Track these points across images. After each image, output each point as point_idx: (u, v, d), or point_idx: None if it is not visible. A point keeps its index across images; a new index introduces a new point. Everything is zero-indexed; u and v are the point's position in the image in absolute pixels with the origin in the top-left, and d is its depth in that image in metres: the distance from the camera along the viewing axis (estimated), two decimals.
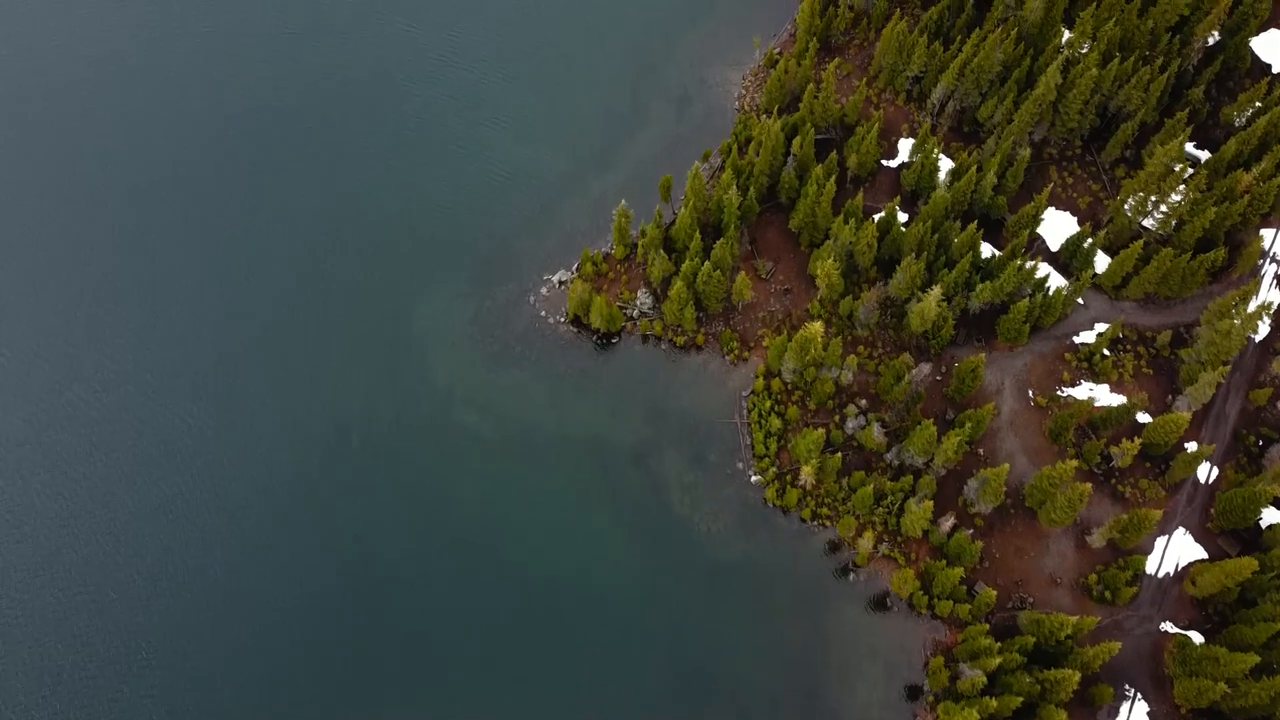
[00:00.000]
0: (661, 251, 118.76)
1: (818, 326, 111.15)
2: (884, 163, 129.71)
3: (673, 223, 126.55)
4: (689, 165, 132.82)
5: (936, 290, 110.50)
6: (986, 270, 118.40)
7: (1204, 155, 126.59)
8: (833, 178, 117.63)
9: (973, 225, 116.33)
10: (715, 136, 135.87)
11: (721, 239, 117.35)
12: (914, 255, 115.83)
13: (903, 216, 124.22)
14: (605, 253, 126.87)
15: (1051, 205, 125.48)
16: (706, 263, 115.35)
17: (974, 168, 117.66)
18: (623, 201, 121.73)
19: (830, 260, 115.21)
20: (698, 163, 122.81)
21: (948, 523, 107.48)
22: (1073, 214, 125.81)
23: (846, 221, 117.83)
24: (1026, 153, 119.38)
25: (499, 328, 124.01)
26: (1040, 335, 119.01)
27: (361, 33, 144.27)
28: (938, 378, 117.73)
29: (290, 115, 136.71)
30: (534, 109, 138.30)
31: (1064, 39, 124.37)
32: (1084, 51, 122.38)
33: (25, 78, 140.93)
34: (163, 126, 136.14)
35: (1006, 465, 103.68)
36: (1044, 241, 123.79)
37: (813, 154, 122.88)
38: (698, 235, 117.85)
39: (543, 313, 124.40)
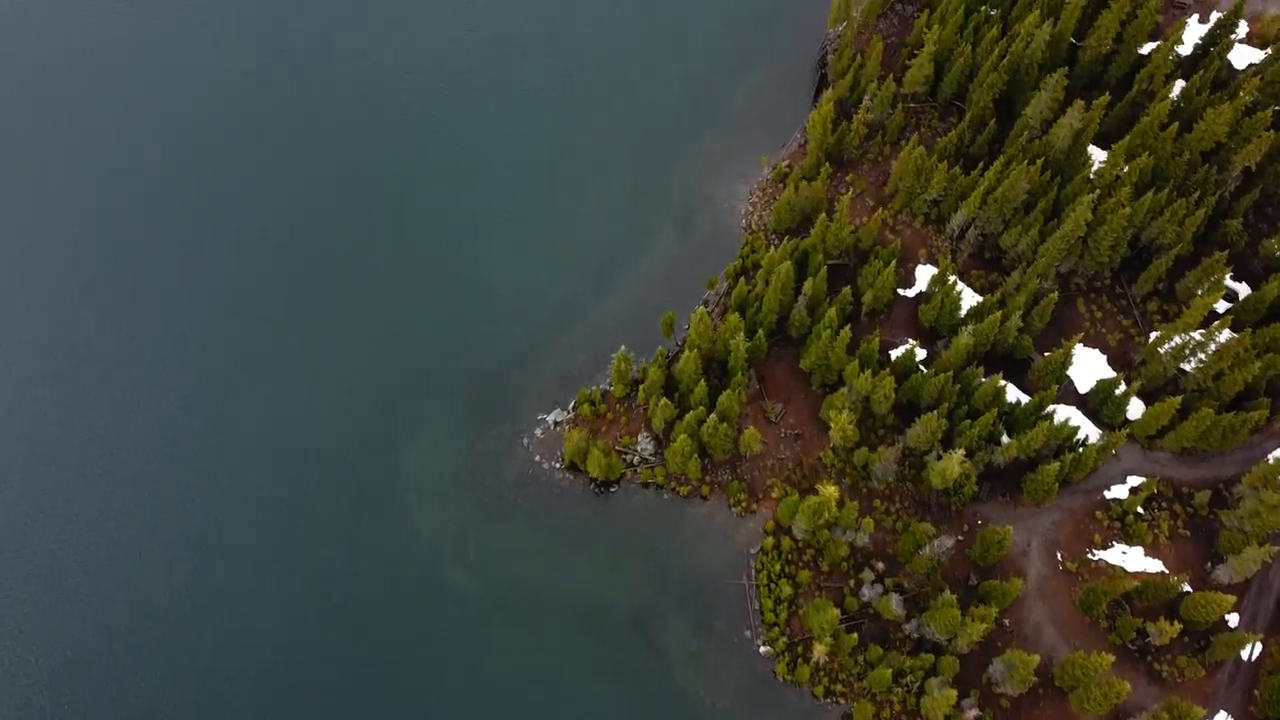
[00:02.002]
0: (664, 399, 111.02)
1: (832, 490, 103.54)
2: (901, 291, 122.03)
3: (676, 357, 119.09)
4: (693, 289, 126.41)
5: (959, 452, 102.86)
6: (1011, 418, 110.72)
7: (1243, 288, 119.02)
8: (848, 325, 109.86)
9: (997, 377, 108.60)
10: (721, 257, 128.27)
11: (728, 389, 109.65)
12: (934, 408, 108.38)
13: (921, 353, 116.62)
14: (604, 390, 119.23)
15: (1080, 341, 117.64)
16: (712, 415, 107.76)
17: (998, 311, 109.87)
18: (623, 347, 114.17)
19: (845, 414, 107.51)
20: (701, 308, 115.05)
21: (972, 710, 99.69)
22: (1102, 351, 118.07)
23: (862, 369, 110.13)
24: (1054, 295, 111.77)
25: (491, 474, 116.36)
26: (1069, 488, 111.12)
27: (341, 141, 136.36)
28: (959, 537, 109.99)
29: (262, 241, 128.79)
30: (529, 226, 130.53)
31: (1093, 169, 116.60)
32: (1117, 178, 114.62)
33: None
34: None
35: (1036, 657, 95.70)
36: (1072, 383, 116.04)
37: (824, 290, 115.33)
38: (702, 384, 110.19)
39: (537, 458, 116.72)
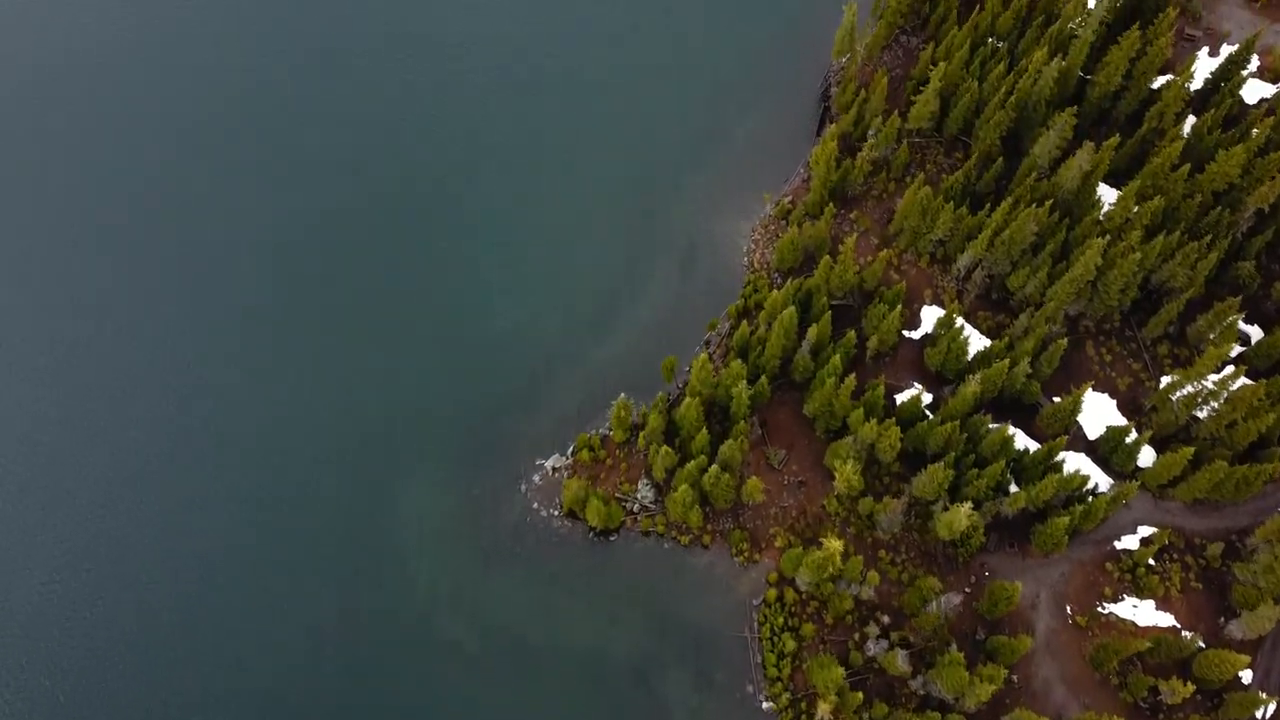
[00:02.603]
0: (665, 446, 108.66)
1: (836, 545, 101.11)
2: (906, 333, 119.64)
3: (677, 401, 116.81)
4: (695, 329, 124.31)
5: (966, 505, 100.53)
6: (1020, 466, 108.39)
7: (1255, 331, 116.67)
8: (852, 373, 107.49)
9: (1004, 427, 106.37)
10: (722, 295, 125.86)
11: (730, 438, 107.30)
12: (940, 457, 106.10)
13: (927, 398, 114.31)
14: (604, 435, 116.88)
15: (1089, 387, 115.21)
16: (714, 465, 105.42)
17: (1005, 357, 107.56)
18: (622, 395, 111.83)
19: (849, 464, 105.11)
20: (703, 354, 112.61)
21: None
22: (1111, 396, 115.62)
23: (867, 417, 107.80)
24: (1063, 342, 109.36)
25: (488, 520, 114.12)
26: (1079, 538, 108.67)
27: (341, 173, 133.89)
28: (967, 589, 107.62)
29: (257, 276, 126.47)
30: (528, 263, 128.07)
31: (1103, 210, 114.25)
32: (1127, 220, 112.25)
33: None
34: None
35: None
36: (1081, 429, 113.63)
37: (829, 333, 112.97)
38: (704, 432, 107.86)
39: (535, 504, 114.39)
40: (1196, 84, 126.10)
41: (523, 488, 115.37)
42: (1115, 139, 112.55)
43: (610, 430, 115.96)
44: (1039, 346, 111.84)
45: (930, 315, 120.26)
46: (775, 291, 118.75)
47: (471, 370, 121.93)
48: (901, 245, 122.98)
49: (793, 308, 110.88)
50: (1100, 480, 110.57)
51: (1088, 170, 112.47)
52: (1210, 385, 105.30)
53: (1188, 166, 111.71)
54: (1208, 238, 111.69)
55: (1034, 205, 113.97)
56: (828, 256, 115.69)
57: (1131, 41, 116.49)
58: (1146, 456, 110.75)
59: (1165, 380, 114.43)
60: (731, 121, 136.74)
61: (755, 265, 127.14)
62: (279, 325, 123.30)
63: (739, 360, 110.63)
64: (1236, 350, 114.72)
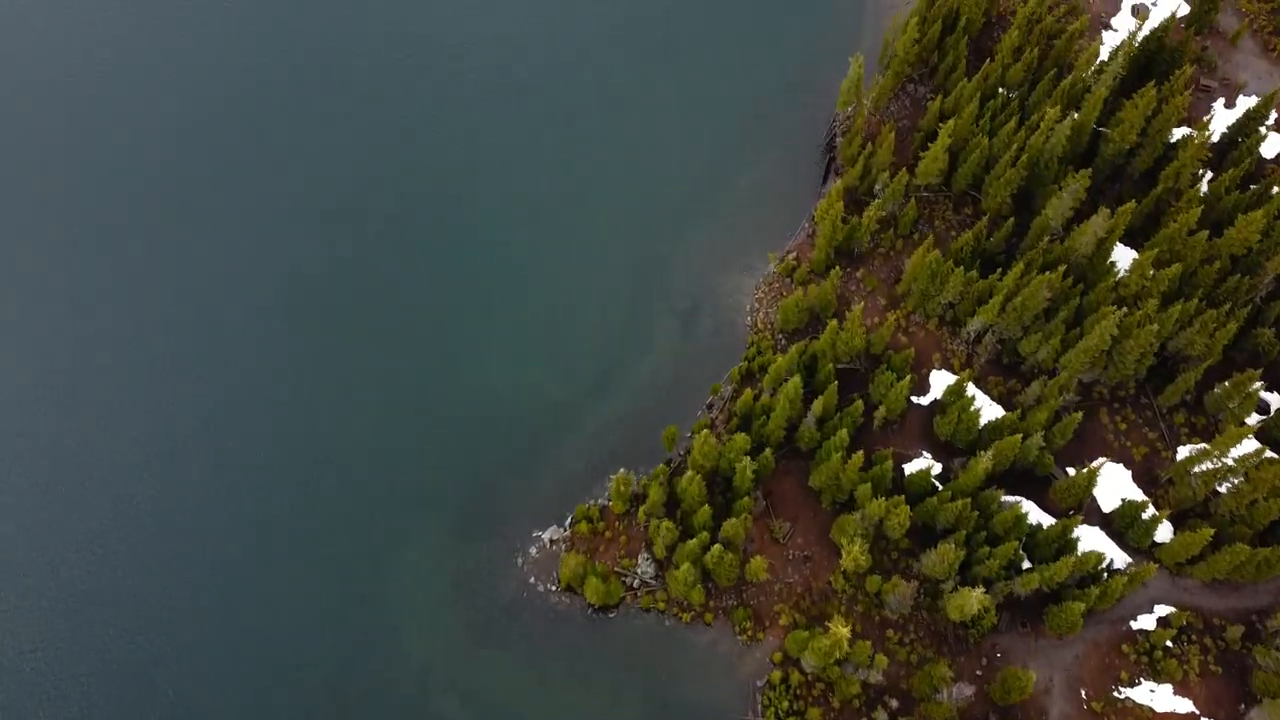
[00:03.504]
0: (666, 521, 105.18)
1: (843, 631, 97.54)
2: (914, 398, 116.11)
3: (679, 470, 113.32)
4: (696, 391, 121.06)
5: (978, 590, 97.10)
6: (1033, 542, 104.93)
7: (1275, 399, 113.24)
8: (859, 450, 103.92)
9: (1017, 506, 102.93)
10: (725, 355, 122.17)
11: (733, 517, 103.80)
12: (951, 533, 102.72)
13: (936, 467, 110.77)
14: (603, 505, 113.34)
15: (1102, 455, 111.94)
16: (716, 545, 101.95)
17: (1018, 434, 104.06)
18: (622, 469, 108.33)
19: (857, 544, 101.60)
20: (706, 431, 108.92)
21: None
22: (1127, 466, 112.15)
23: (875, 493, 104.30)
24: (1078, 416, 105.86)
25: (483, 595, 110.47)
26: (1094, 617, 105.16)
27: (337, 225, 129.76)
28: (978, 672, 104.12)
29: (242, 331, 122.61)
30: (524, 322, 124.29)
31: (1118, 275, 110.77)
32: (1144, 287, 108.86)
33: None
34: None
35: None
36: (1095, 501, 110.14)
37: (835, 404, 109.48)
38: (706, 509, 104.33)
39: (532, 579, 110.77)
40: (1214, 137, 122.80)
41: (519, 561, 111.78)
42: (1131, 205, 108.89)
43: (610, 501, 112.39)
44: (1052, 418, 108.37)
45: (939, 380, 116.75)
46: (779, 356, 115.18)
47: (465, 434, 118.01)
48: (909, 307, 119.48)
49: (798, 378, 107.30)
50: (1116, 556, 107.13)
51: (1102, 236, 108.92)
52: (1231, 462, 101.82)
53: (1205, 233, 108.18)
54: (1227, 306, 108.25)
55: (1046, 270, 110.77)
56: (834, 322, 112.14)
57: (1148, 100, 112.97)
58: (1164, 532, 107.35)
59: (1183, 451, 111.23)
60: (734, 171, 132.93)
61: (758, 325, 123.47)
62: (266, 389, 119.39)
63: (743, 434, 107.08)
64: (1256, 419, 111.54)
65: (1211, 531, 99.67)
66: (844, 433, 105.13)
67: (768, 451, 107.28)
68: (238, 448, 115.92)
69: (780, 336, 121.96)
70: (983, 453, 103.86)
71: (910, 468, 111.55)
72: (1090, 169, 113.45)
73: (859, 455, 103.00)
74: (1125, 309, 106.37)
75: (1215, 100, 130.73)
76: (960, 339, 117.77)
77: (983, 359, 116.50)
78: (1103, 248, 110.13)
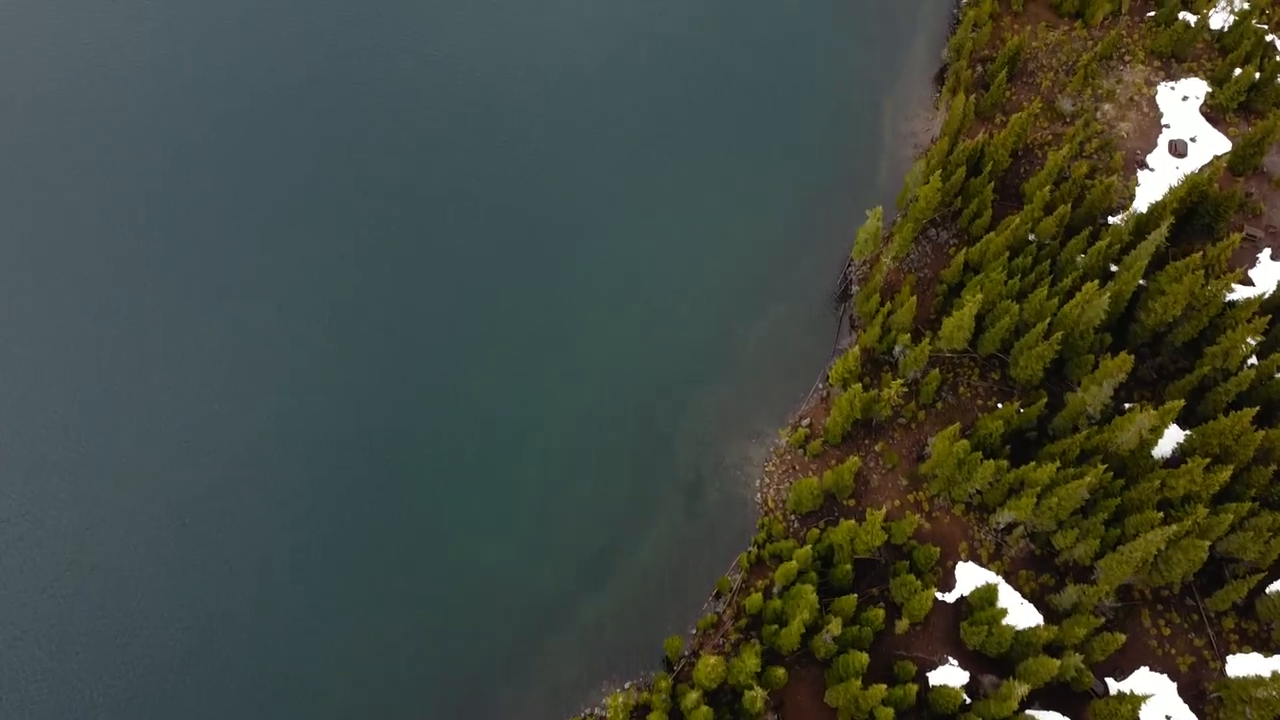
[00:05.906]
0: None
1: None
2: (939, 595, 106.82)
3: (682, 672, 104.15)
4: (701, 578, 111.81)
5: None
6: None
7: None
8: (878, 651, 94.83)
9: None
10: (732, 539, 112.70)
11: None
12: None
13: (963, 676, 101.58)
14: (601, 718, 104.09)
15: (1144, 664, 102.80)
16: None
17: (1055, 659, 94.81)
18: (618, 693, 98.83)
19: None
20: (710, 656, 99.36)
21: None
22: (1171, 678, 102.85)
23: (898, 717, 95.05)
24: (1121, 636, 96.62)
25: None
26: None
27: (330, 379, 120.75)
28: None
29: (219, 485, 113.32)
30: (515, 498, 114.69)
31: (1162, 476, 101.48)
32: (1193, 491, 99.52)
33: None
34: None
35: None
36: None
37: (854, 611, 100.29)
38: None
39: None
40: (1260, 288, 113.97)
41: None
42: (1180, 403, 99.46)
43: (607, 714, 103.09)
44: (1090, 634, 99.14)
45: (966, 574, 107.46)
46: (791, 542, 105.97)
47: (445, 628, 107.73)
48: (933, 490, 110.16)
49: (812, 587, 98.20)
50: None
51: (1147, 435, 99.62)
52: None
53: (1261, 434, 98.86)
54: None
55: (1082, 462, 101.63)
56: (852, 522, 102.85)
57: (1195, 279, 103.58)
58: None
59: (1232, 662, 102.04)
60: (742, 325, 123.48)
61: (769, 504, 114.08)
62: (238, 574, 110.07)
63: (751, 652, 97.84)
64: None
65: None
66: (864, 656, 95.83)
67: (781, 671, 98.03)
68: (207, 649, 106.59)
69: (793, 518, 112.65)
70: (1015, 681, 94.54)
71: (935, 677, 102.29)
72: (1131, 353, 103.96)
73: (879, 688, 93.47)
74: (1170, 512, 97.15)
75: (1261, 250, 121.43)
76: (989, 527, 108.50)
77: (1013, 551, 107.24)
78: (1146, 446, 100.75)
